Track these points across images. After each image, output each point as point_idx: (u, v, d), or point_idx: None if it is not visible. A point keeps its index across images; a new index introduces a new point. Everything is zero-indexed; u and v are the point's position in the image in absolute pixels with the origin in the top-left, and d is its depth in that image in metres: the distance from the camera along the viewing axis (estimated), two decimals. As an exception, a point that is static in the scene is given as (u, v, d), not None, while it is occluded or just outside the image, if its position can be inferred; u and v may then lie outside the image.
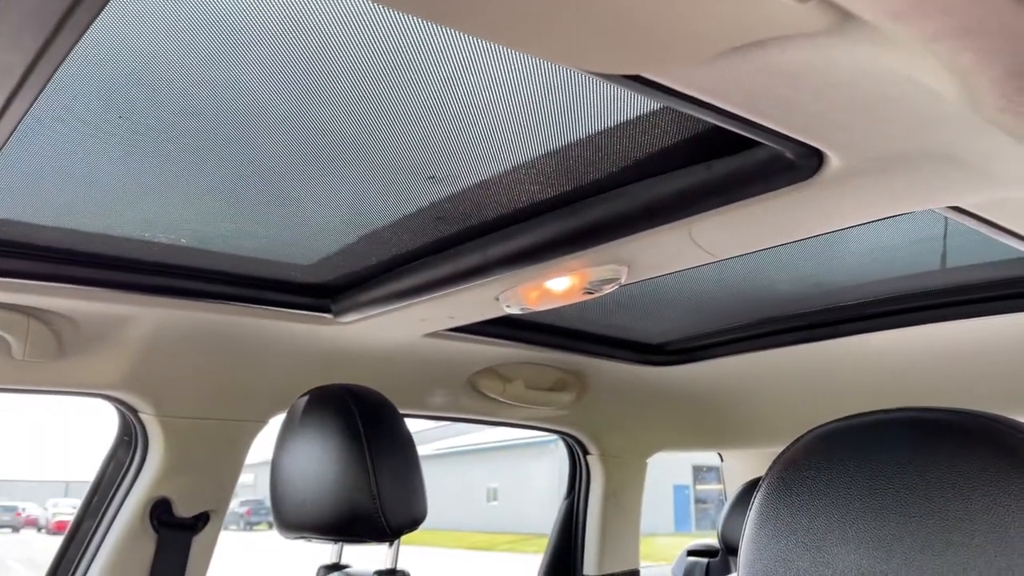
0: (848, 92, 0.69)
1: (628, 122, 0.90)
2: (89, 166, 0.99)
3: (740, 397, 1.92)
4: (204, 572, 1.42)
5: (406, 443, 1.19)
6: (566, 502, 2.03)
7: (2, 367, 1.23)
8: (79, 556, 1.36)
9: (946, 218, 1.06)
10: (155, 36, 0.76)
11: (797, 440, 0.67)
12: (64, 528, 1.43)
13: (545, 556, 2.02)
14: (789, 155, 0.83)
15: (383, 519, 1.13)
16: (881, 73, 0.65)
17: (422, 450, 1.23)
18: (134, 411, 1.36)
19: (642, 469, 2.05)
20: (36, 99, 0.73)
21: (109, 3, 0.61)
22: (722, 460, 2.27)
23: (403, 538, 1.19)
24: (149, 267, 1.25)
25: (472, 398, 1.74)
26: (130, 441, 1.39)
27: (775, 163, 0.86)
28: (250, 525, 21.50)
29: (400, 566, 1.21)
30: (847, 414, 0.66)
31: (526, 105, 0.88)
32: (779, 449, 0.69)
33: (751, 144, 0.85)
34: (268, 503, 1.26)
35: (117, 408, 1.40)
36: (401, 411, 1.21)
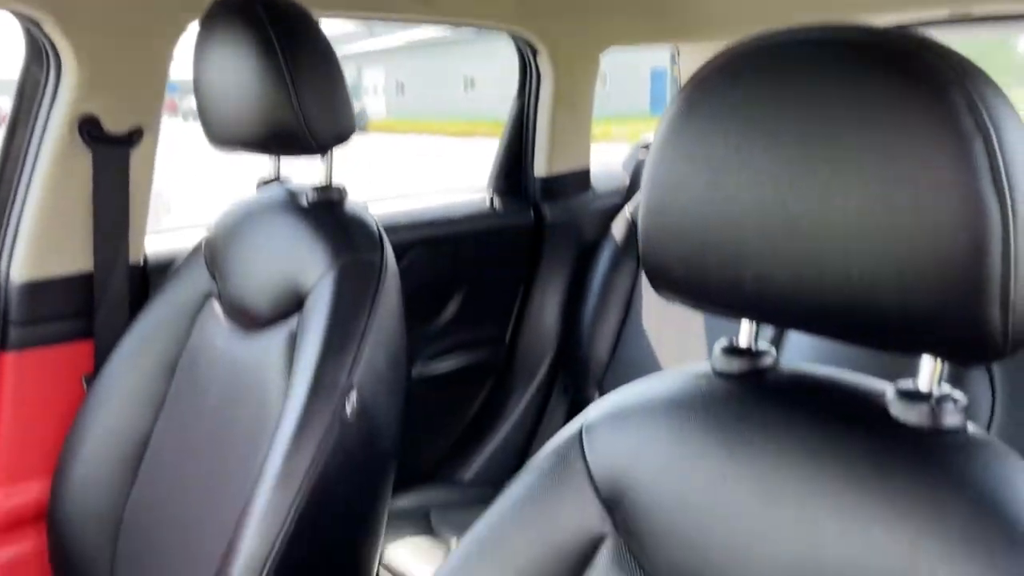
0: None
1: None
2: None
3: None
4: (148, 186, 1.44)
5: (325, 54, 1.12)
6: (516, 104, 2.00)
7: None
8: (16, 173, 1.35)
9: None
10: None
11: (712, 59, 0.63)
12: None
13: (496, 159, 2.04)
14: None
15: (308, 133, 1.11)
16: None
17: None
18: (38, 24, 1.27)
19: (594, 68, 1.98)
20: None
21: None
22: (677, 58, 2.19)
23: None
24: None
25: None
26: (41, 59, 1.32)
27: None
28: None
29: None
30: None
31: None
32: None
33: None
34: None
35: (21, 23, 1.30)
36: (320, 12, 1.13)
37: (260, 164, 1.35)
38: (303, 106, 1.08)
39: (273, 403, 1.06)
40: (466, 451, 1.94)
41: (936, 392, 0.58)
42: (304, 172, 1.29)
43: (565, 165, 2.03)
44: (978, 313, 0.50)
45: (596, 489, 0.68)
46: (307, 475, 0.95)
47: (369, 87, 34.93)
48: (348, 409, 0.97)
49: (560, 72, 1.92)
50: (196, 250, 1.32)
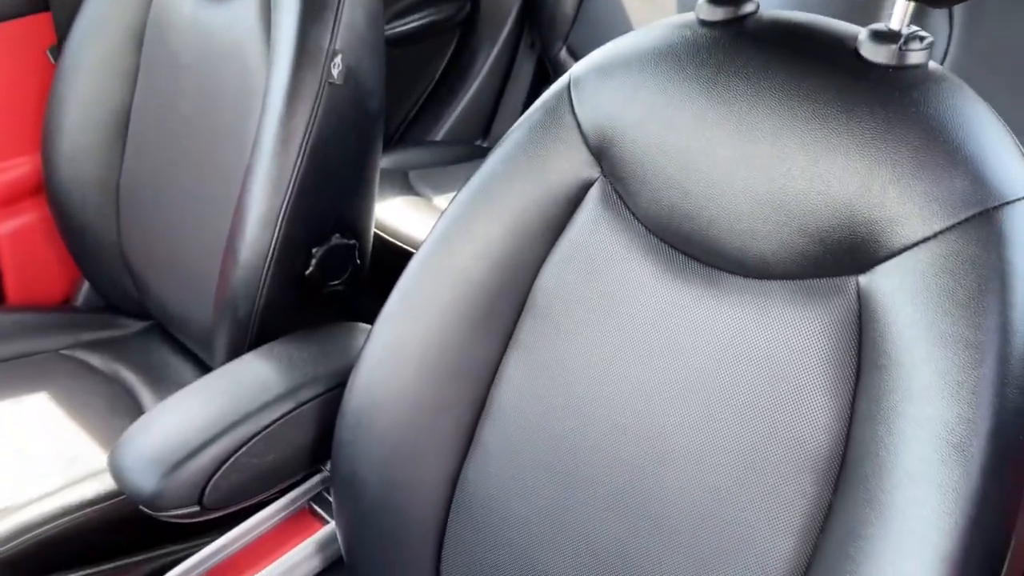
0: None
1: None
2: None
3: None
4: None
5: None
6: None
7: None
8: None
9: None
10: None
11: None
12: None
13: None
14: None
15: None
16: None
17: None
18: None
19: None
20: None
21: None
22: None
23: None
24: None
25: None
26: None
27: None
28: None
29: None
30: None
31: None
32: None
33: None
34: None
35: None
36: None
37: None
38: None
39: (255, 70, 1.07)
40: (435, 111, 1.97)
41: (905, 31, 0.62)
42: None
43: None
44: None
45: (584, 138, 0.74)
46: (304, 138, 0.99)
47: None
48: (335, 72, 1.00)
49: None
50: None
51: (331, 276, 1.09)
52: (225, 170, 1.12)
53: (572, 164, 0.75)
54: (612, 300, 0.73)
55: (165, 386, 1.22)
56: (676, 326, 0.70)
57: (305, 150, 1.00)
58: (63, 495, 1.01)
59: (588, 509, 0.73)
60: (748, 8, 0.70)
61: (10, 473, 1.08)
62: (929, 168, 0.59)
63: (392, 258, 1.35)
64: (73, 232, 1.34)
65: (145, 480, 0.83)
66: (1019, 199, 0.58)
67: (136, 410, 1.20)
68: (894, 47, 0.62)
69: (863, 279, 0.61)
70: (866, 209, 0.60)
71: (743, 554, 0.65)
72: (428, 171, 1.76)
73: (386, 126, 1.84)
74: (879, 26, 0.63)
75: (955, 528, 0.53)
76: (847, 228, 0.61)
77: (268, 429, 0.88)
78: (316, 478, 1.06)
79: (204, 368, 1.19)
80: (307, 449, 0.91)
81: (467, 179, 0.81)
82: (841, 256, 0.62)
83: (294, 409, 0.90)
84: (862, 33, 0.64)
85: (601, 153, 0.74)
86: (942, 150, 0.59)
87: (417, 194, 1.67)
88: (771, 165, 0.64)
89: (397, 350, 0.81)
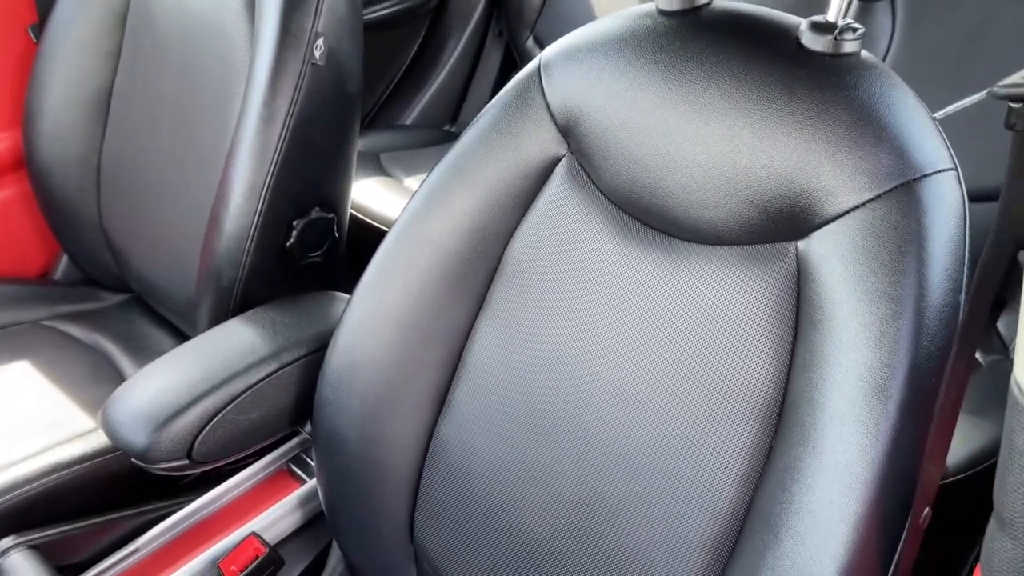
0: None
1: None
2: None
3: None
4: None
5: None
6: None
7: None
8: None
9: None
10: None
11: None
12: None
13: None
14: None
15: None
16: None
17: None
18: None
19: None
20: None
21: None
22: None
23: None
24: None
25: None
26: None
27: None
28: None
29: None
30: None
31: None
32: None
33: None
34: None
35: None
36: None
37: None
38: None
39: (240, 51, 1.12)
40: (406, 96, 2.02)
41: (840, 23, 0.69)
42: None
43: None
44: None
45: (553, 117, 0.81)
46: (287, 116, 1.05)
47: None
48: (317, 54, 1.05)
49: None
50: None
51: (310, 248, 1.15)
52: (207, 147, 1.16)
53: (541, 141, 0.82)
54: (578, 266, 0.80)
55: (145, 355, 1.26)
56: (636, 289, 0.77)
57: (288, 127, 1.05)
58: (52, 453, 1.05)
59: (554, 461, 0.80)
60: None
61: (-3, 435, 1.11)
62: (859, 144, 0.66)
63: (365, 235, 1.41)
64: (54, 208, 1.37)
65: (137, 434, 0.88)
66: (936, 172, 0.66)
67: (117, 378, 1.24)
68: (830, 37, 0.69)
69: (801, 244, 0.69)
70: (804, 181, 0.67)
71: (697, 498, 0.72)
72: (399, 154, 1.81)
73: (359, 109, 1.88)
74: (818, 18, 0.71)
75: (876, 458, 0.61)
76: (788, 198, 0.68)
77: (254, 388, 0.93)
78: (294, 440, 1.12)
79: (183, 338, 1.24)
80: (290, 408, 0.97)
81: (436, 161, 0.87)
82: (782, 224, 0.69)
83: (278, 370, 0.95)
84: (803, 24, 0.71)
85: (568, 131, 0.80)
86: (871, 129, 0.66)
87: (389, 175, 1.72)
88: (722, 141, 0.71)
89: (376, 313, 0.87)
